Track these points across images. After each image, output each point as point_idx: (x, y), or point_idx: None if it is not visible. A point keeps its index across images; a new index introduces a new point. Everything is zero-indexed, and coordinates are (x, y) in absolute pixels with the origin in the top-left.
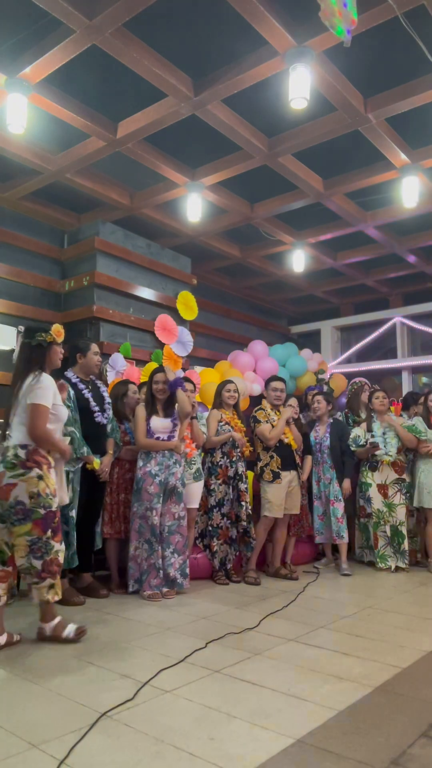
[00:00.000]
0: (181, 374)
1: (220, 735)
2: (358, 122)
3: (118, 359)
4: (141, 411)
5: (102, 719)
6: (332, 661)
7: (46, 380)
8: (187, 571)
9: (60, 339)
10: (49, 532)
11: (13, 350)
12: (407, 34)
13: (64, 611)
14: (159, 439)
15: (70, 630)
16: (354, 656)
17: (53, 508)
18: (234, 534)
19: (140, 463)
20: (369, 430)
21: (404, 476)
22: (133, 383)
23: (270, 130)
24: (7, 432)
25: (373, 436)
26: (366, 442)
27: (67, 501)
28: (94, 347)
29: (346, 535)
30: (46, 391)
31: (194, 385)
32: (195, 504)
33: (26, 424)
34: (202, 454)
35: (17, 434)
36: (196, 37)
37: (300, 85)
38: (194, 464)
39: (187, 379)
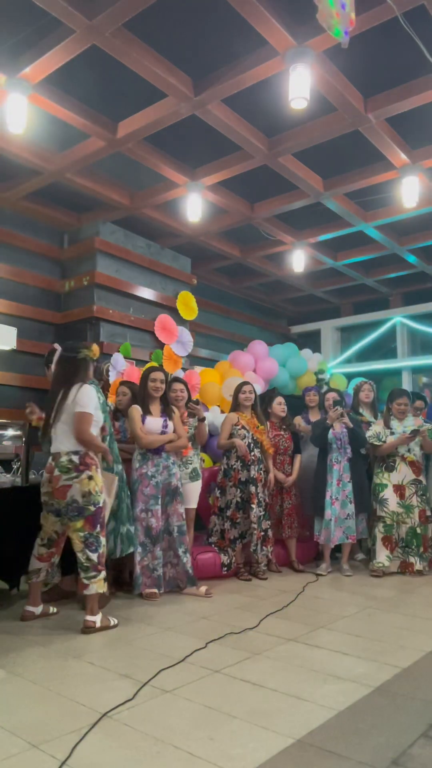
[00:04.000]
0: (182, 374)
1: (220, 735)
2: (358, 122)
3: (118, 359)
4: (136, 411)
5: (102, 719)
6: (332, 661)
7: (92, 390)
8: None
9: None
10: (98, 528)
11: (13, 350)
12: (407, 34)
13: (62, 608)
14: None
15: (113, 620)
16: (354, 656)
17: (101, 505)
18: (233, 535)
19: (136, 464)
20: (387, 426)
21: (421, 477)
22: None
23: (270, 130)
24: (52, 438)
25: (392, 432)
26: (386, 438)
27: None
28: None
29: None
30: (91, 401)
31: (185, 384)
32: (192, 504)
33: (74, 431)
34: (201, 454)
35: (67, 442)
36: (196, 37)
37: (300, 85)
38: (190, 464)
39: (177, 379)
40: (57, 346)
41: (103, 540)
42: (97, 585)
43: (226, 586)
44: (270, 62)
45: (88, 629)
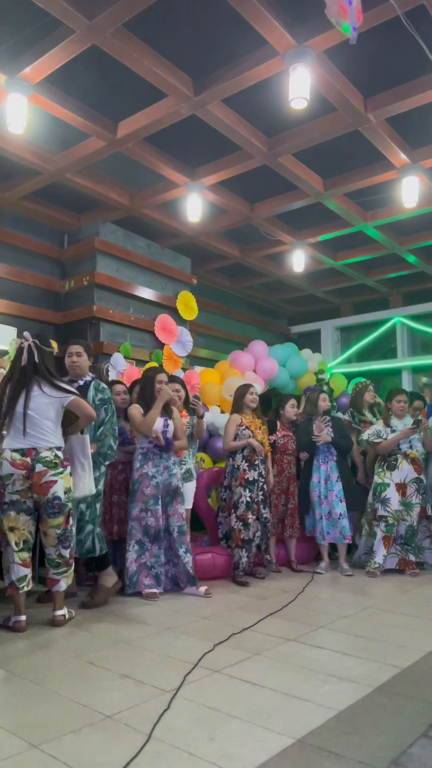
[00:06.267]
0: (181, 374)
1: (220, 735)
2: (358, 122)
3: (118, 359)
4: (137, 410)
5: (102, 719)
6: (332, 661)
7: None
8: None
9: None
10: (70, 522)
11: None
12: (407, 34)
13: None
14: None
15: (71, 611)
16: (354, 656)
17: (71, 502)
18: (247, 536)
19: (137, 464)
20: (387, 424)
21: (422, 476)
22: (121, 383)
23: (270, 130)
24: (28, 433)
25: (393, 430)
26: (387, 436)
27: (95, 491)
28: (70, 348)
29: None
30: None
31: (182, 383)
32: (187, 505)
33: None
34: (198, 455)
35: (52, 437)
36: (196, 37)
37: (300, 85)
38: (184, 465)
39: (174, 378)
40: (27, 334)
41: (72, 534)
42: (67, 580)
43: (225, 586)
44: (270, 62)
45: (59, 623)
